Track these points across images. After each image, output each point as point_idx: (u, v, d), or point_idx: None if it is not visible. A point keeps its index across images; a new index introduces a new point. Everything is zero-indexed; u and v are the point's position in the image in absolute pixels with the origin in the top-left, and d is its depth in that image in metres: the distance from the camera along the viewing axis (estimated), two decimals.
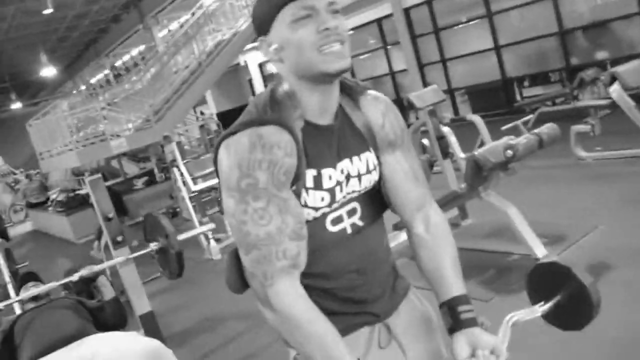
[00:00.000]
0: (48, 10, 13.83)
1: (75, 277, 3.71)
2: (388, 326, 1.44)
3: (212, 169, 1.33)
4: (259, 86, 19.32)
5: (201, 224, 7.38)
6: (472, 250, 4.54)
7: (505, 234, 4.40)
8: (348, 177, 1.35)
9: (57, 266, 8.16)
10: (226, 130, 1.28)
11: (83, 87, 24.53)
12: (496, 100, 11.37)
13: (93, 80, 24.83)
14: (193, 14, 13.03)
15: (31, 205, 14.88)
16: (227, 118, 12.03)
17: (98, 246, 5.84)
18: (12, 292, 5.20)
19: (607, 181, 5.57)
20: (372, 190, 1.42)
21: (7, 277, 5.72)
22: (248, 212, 1.22)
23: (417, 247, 1.45)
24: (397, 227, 3.87)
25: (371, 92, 1.44)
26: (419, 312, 1.51)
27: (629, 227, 4.28)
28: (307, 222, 1.30)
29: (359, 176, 1.36)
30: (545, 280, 1.48)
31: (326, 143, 1.32)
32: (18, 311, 4.22)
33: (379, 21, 13.59)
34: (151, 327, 4.32)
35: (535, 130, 4.07)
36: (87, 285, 3.92)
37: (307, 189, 1.29)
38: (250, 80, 20.06)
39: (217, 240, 6.97)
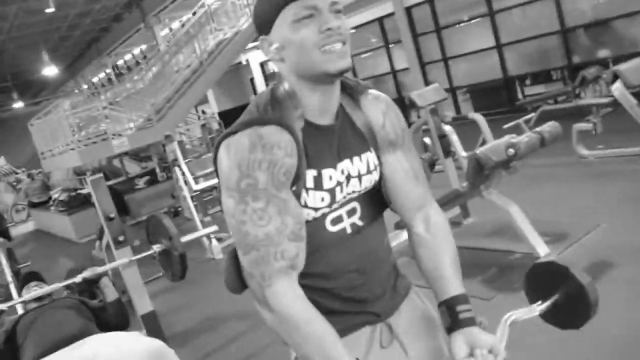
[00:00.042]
0: (50, 9, 13.85)
1: (78, 278, 3.72)
2: (390, 326, 1.44)
3: (213, 168, 1.33)
4: (260, 85, 19.31)
5: (203, 223, 7.40)
6: (474, 249, 4.54)
7: (507, 232, 4.40)
8: (348, 177, 1.34)
9: (59, 266, 8.18)
10: (226, 130, 1.27)
11: (85, 87, 24.57)
12: (498, 99, 11.37)
13: (95, 80, 24.87)
14: (195, 12, 13.03)
15: (33, 205, 14.89)
16: (228, 117, 12.04)
17: (100, 246, 5.84)
18: (14, 291, 5.21)
19: (609, 179, 5.56)
20: (372, 190, 1.42)
21: (9, 276, 5.73)
22: (247, 213, 1.21)
23: (417, 246, 1.46)
24: (399, 226, 3.88)
25: (372, 91, 1.44)
26: (420, 311, 1.51)
27: (631, 225, 4.28)
28: (307, 222, 1.29)
29: (360, 176, 1.36)
30: (543, 280, 1.48)
31: (326, 143, 1.32)
32: (21, 311, 4.23)
33: (380, 20, 13.57)
34: (153, 327, 4.32)
35: (537, 129, 4.07)
36: (90, 286, 3.93)
37: (307, 190, 1.28)
38: (251, 79, 20.05)
39: (219, 240, 6.97)
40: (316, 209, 1.30)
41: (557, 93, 8.65)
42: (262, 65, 19.09)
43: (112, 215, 4.26)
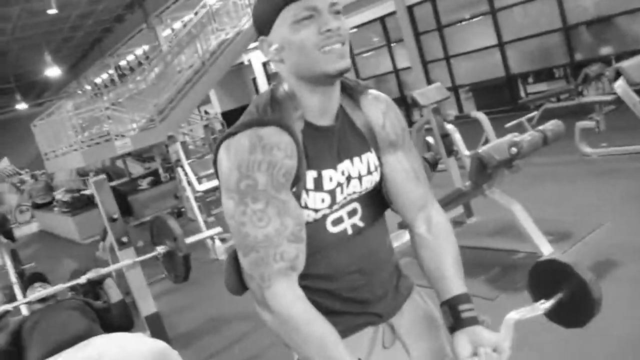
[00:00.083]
0: (52, 11, 13.85)
1: (82, 280, 3.73)
2: (392, 326, 1.44)
3: (214, 169, 1.34)
4: (263, 85, 19.31)
5: (206, 223, 7.41)
6: (477, 249, 4.54)
7: (511, 231, 4.39)
8: (349, 178, 1.34)
9: (63, 267, 8.20)
10: (226, 131, 1.27)
11: (88, 87, 24.58)
12: (500, 97, 11.36)
13: (98, 80, 24.89)
14: (196, 13, 13.03)
15: (37, 206, 14.93)
16: (231, 117, 12.03)
17: (103, 247, 5.85)
18: (18, 292, 5.22)
19: (612, 177, 5.55)
20: (373, 190, 1.42)
21: (13, 277, 5.74)
22: (247, 214, 1.21)
23: (419, 247, 1.45)
24: (403, 226, 3.87)
25: (372, 91, 1.44)
26: (423, 312, 1.51)
27: (635, 224, 4.27)
28: (307, 223, 1.29)
29: (360, 177, 1.36)
30: (547, 278, 1.48)
31: (327, 144, 1.32)
32: (25, 312, 4.24)
33: (382, 19, 13.57)
34: (157, 328, 4.33)
35: (540, 127, 4.06)
36: (94, 287, 3.94)
37: (307, 191, 1.28)
38: (254, 79, 20.06)
39: (223, 240, 6.97)
40: (316, 210, 1.30)
41: (560, 91, 8.65)
42: (265, 65, 19.09)
43: (115, 216, 4.26)
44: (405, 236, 4.13)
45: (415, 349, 1.45)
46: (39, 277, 4.10)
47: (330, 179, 1.31)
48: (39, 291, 3.72)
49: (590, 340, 2.81)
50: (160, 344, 2.96)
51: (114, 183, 11.64)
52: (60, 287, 3.73)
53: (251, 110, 1.29)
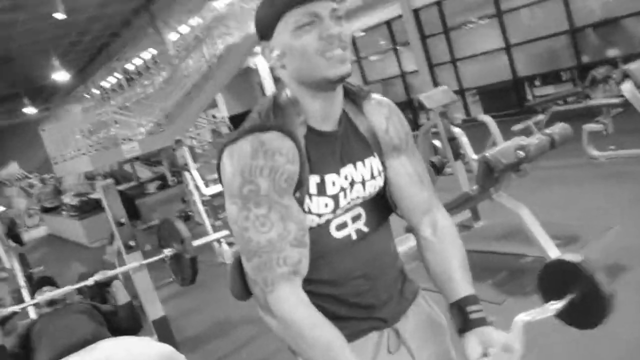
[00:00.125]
0: (60, 15, 13.93)
1: (89, 281, 3.74)
2: (397, 331, 1.43)
3: (217, 175, 1.35)
4: (269, 89, 19.31)
5: (213, 227, 7.42)
6: (484, 253, 4.53)
7: (518, 235, 4.37)
8: (352, 183, 1.34)
9: (70, 270, 8.23)
10: (229, 137, 1.28)
11: (96, 92, 24.68)
12: (507, 100, 11.33)
13: (105, 85, 24.99)
14: (203, 17, 13.07)
15: (45, 210, 15.00)
16: (238, 121, 12.05)
17: (111, 250, 5.87)
18: (27, 296, 5.24)
19: (620, 180, 5.53)
20: (377, 195, 1.42)
21: (21, 281, 5.77)
22: (250, 219, 1.22)
23: (425, 250, 1.45)
24: (409, 229, 3.86)
25: (375, 96, 1.44)
26: (428, 316, 1.51)
27: None
28: (311, 228, 1.29)
29: (363, 182, 1.36)
30: (557, 279, 1.47)
31: (329, 149, 1.32)
32: (33, 315, 4.26)
33: (388, 22, 13.57)
34: (164, 332, 4.33)
35: (547, 130, 4.04)
36: (101, 290, 3.95)
37: (310, 196, 1.28)
38: (260, 83, 20.08)
39: (230, 244, 6.98)
40: (320, 215, 1.30)
41: (567, 94, 8.60)
42: (272, 69, 19.07)
43: (122, 220, 4.27)
44: (413, 240, 4.14)
45: (420, 354, 1.44)
46: (47, 281, 4.12)
47: (333, 184, 1.31)
48: (47, 292, 3.73)
49: (598, 343, 2.80)
50: (167, 348, 2.97)
51: (121, 187, 11.68)
52: (68, 288, 3.74)
53: (253, 116, 1.30)
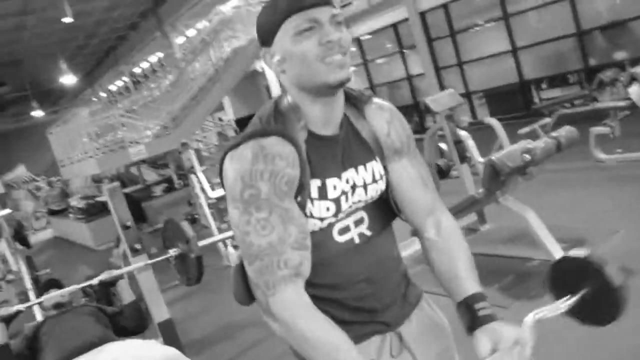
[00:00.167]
0: (68, 19, 14.02)
1: (95, 281, 3.73)
2: (400, 335, 1.43)
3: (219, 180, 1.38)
4: (276, 92, 19.33)
5: (219, 230, 7.42)
6: (491, 256, 4.51)
7: (524, 239, 4.36)
8: (354, 186, 1.35)
9: (77, 273, 8.25)
10: (230, 143, 1.29)
11: (104, 95, 24.80)
12: (514, 103, 11.31)
13: (112, 88, 25.12)
14: (210, 20, 13.11)
15: (52, 212, 15.06)
16: (244, 124, 12.03)
17: (117, 253, 5.88)
18: (33, 299, 5.26)
19: (627, 184, 5.50)
20: (380, 199, 1.42)
21: (28, 283, 5.79)
22: (251, 223, 1.23)
23: (430, 251, 1.45)
24: (415, 233, 3.85)
25: (376, 100, 1.44)
26: (431, 320, 1.50)
27: None
28: (314, 232, 1.30)
29: (365, 186, 1.37)
30: (566, 278, 1.46)
31: (330, 153, 1.32)
32: (39, 316, 4.27)
33: (394, 25, 13.57)
34: (170, 334, 4.33)
35: (553, 134, 4.03)
36: (107, 289, 3.95)
37: (312, 200, 1.29)
38: (267, 87, 20.11)
39: (236, 247, 6.98)
40: (322, 219, 1.31)
41: (574, 97, 8.58)
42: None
43: (128, 224, 4.28)
44: (418, 244, 4.13)
45: (423, 358, 1.44)
46: (54, 284, 4.12)
47: (335, 187, 1.31)
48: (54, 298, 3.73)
49: (603, 349, 2.79)
50: (172, 351, 2.97)
51: (128, 190, 11.72)
52: (73, 287, 3.73)
53: (255, 122, 1.31)
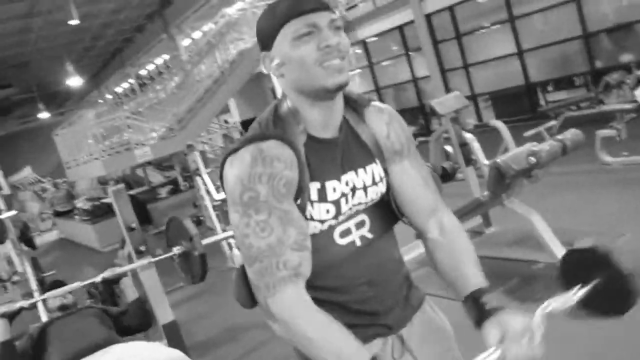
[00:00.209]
0: (74, 21, 14.08)
1: (98, 278, 3.72)
2: (401, 338, 1.43)
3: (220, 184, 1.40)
4: (281, 94, 19.35)
5: (224, 231, 7.42)
6: (496, 259, 4.50)
7: (529, 241, 4.34)
8: (354, 189, 1.35)
9: (82, 274, 8.27)
10: (230, 147, 1.30)
11: (109, 97, 24.89)
12: (520, 106, 11.29)
13: (118, 90, 25.20)
14: (216, 23, 13.14)
15: (58, 214, 15.10)
16: (250, 126, 12.09)
17: (122, 255, 5.89)
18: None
19: (633, 187, 5.48)
20: (381, 202, 1.42)
21: (34, 285, 5.81)
22: (250, 225, 1.24)
23: (433, 250, 1.45)
24: (419, 236, 3.85)
25: (375, 103, 1.45)
26: (433, 323, 1.50)
27: None
28: (315, 235, 1.31)
29: (365, 188, 1.37)
30: (578, 269, 1.45)
31: (330, 156, 1.33)
32: (43, 316, 4.28)
33: (400, 28, 13.57)
34: (174, 336, 4.32)
35: (559, 136, 4.02)
36: (111, 288, 3.95)
37: (312, 202, 1.30)
38: (272, 89, 20.14)
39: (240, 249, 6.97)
40: (322, 222, 1.31)
41: (580, 99, 8.56)
42: None
43: (133, 226, 4.28)
44: (421, 247, 4.12)
45: None
46: (59, 285, 4.13)
47: (334, 190, 1.32)
48: (59, 300, 3.73)
49: (609, 350, 2.77)
50: (177, 353, 2.97)
51: (133, 191, 11.77)
52: (77, 284, 3.71)
53: (254, 126, 1.33)
